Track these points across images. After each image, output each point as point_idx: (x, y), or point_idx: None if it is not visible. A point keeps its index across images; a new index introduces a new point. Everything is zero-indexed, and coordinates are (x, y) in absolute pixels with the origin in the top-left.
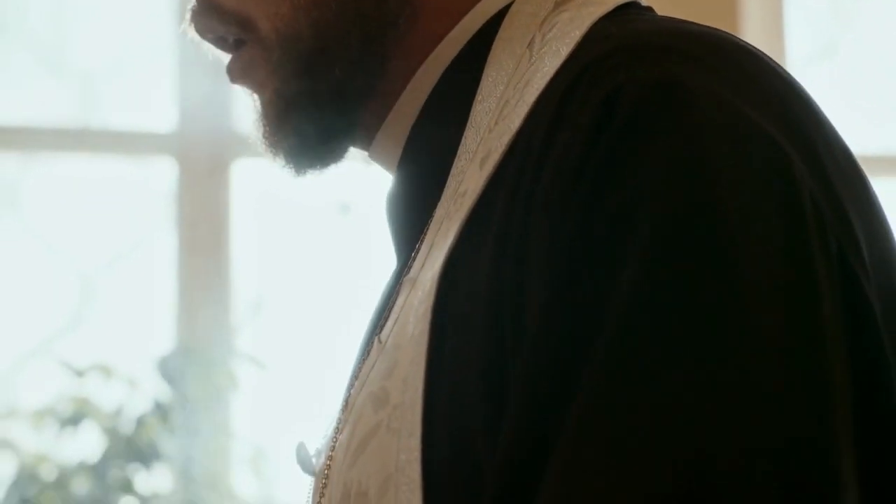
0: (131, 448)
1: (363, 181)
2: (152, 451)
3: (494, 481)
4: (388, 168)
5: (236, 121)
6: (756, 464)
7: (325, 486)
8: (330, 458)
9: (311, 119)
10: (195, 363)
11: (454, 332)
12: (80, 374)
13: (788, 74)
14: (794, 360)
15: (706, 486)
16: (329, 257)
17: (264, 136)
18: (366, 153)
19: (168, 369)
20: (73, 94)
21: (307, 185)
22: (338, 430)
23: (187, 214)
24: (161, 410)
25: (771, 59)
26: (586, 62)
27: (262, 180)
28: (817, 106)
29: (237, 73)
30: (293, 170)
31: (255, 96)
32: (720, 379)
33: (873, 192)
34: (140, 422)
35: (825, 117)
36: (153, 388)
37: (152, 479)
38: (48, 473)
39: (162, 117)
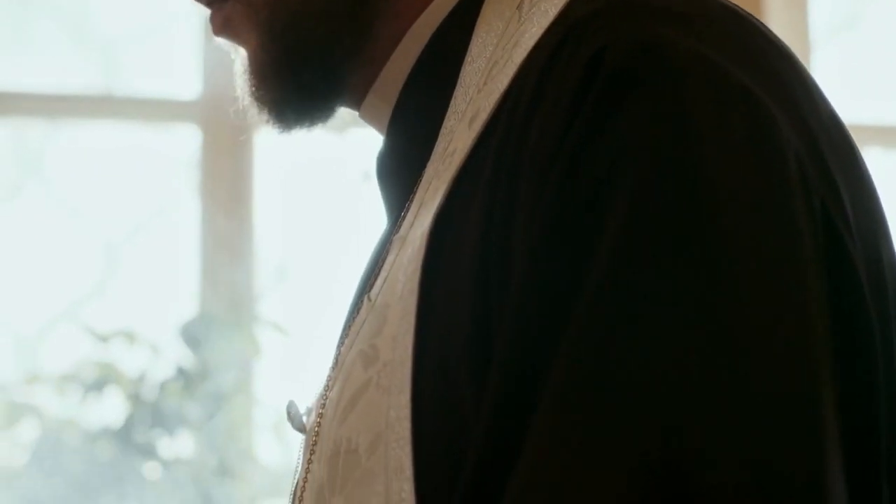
0: (154, 414)
1: None
2: (175, 416)
3: (476, 445)
4: (378, 129)
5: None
6: (737, 438)
7: (315, 443)
8: (320, 415)
9: (297, 76)
10: (218, 329)
11: (443, 290)
12: (103, 339)
13: (776, 38)
14: (777, 325)
15: (680, 461)
16: (351, 225)
17: (250, 90)
18: (356, 113)
19: (191, 335)
20: (96, 61)
21: (330, 153)
22: (328, 388)
23: (210, 181)
24: (184, 376)
25: (759, 21)
26: (573, 22)
27: (285, 148)
28: (805, 70)
29: (219, 27)
30: (278, 126)
31: (240, 50)
32: (700, 346)
33: (862, 161)
34: (163, 387)
35: (813, 82)
36: (176, 354)
37: (175, 445)
38: (72, 438)
39: (186, 84)
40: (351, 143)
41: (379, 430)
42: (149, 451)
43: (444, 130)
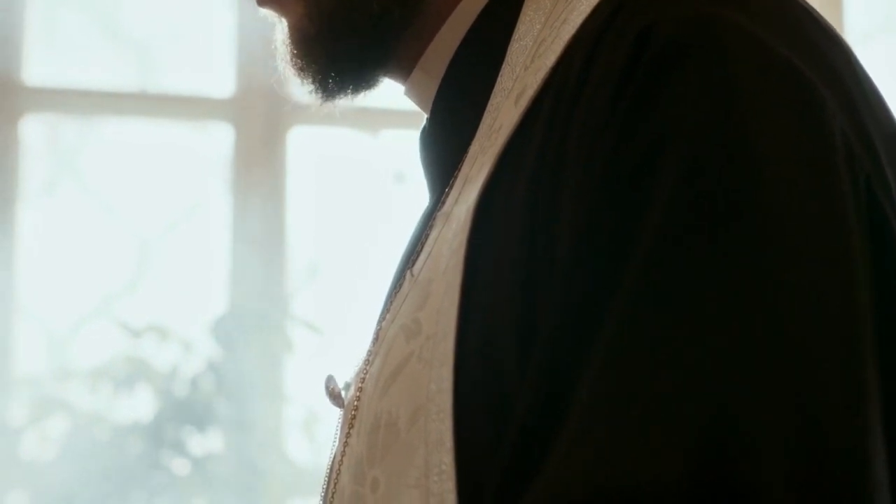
0: (185, 410)
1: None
2: (206, 413)
3: (520, 413)
4: (422, 105)
5: (294, 88)
6: (781, 414)
7: (354, 417)
8: (360, 389)
9: (344, 46)
10: (249, 326)
11: (488, 265)
12: (136, 335)
13: (822, 18)
14: (823, 304)
15: (732, 443)
16: (383, 225)
17: (292, 60)
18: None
19: (222, 332)
20: (131, 59)
21: (363, 153)
22: (368, 363)
23: (243, 179)
24: (215, 373)
25: (809, 5)
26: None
27: (318, 148)
28: (853, 54)
29: None
30: (321, 95)
31: (283, 20)
32: (746, 323)
33: None
34: (194, 384)
35: (861, 68)
36: (208, 351)
37: (205, 442)
38: (102, 433)
39: (219, 82)
40: (383, 143)
41: (419, 402)
42: (179, 448)
43: (489, 107)
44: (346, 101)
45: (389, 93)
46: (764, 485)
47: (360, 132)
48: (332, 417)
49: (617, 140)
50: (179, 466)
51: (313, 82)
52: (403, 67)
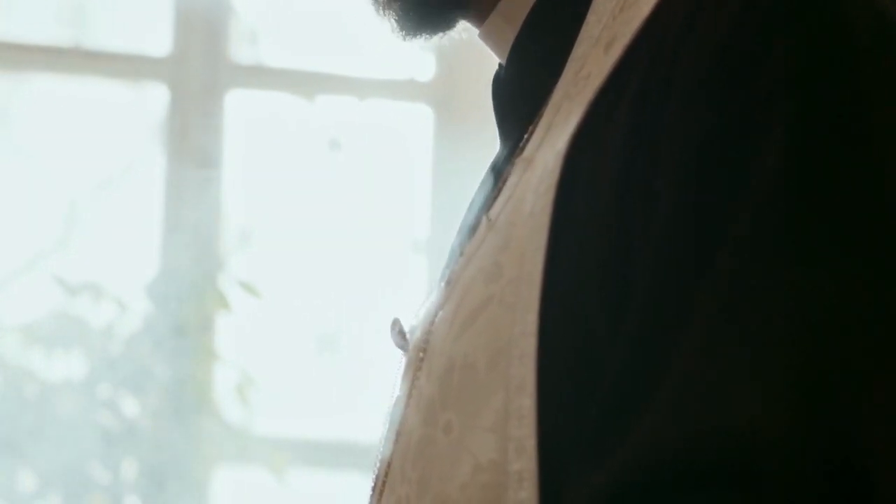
0: (118, 369)
1: (353, 118)
2: (139, 373)
3: (617, 361)
4: (498, 50)
5: (232, 50)
6: (873, 376)
7: (422, 359)
8: (428, 332)
9: None
10: (184, 287)
11: (577, 210)
12: (70, 293)
13: None
14: None
15: (835, 394)
16: (317, 192)
17: None
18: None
19: (157, 292)
20: (65, 13)
21: (300, 117)
22: (438, 306)
23: (178, 141)
24: (150, 332)
25: None
26: None
27: (255, 111)
28: None
29: None
30: (402, 31)
31: None
32: (853, 287)
33: None
34: (128, 343)
35: None
36: (142, 310)
37: (137, 401)
38: (32, 391)
39: (156, 42)
40: (319, 108)
41: (500, 345)
42: (111, 407)
43: (574, 56)
44: (424, 42)
45: (326, 58)
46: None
47: (297, 97)
48: (268, 382)
49: (726, 90)
50: (112, 426)
51: (396, 17)
52: (481, 11)
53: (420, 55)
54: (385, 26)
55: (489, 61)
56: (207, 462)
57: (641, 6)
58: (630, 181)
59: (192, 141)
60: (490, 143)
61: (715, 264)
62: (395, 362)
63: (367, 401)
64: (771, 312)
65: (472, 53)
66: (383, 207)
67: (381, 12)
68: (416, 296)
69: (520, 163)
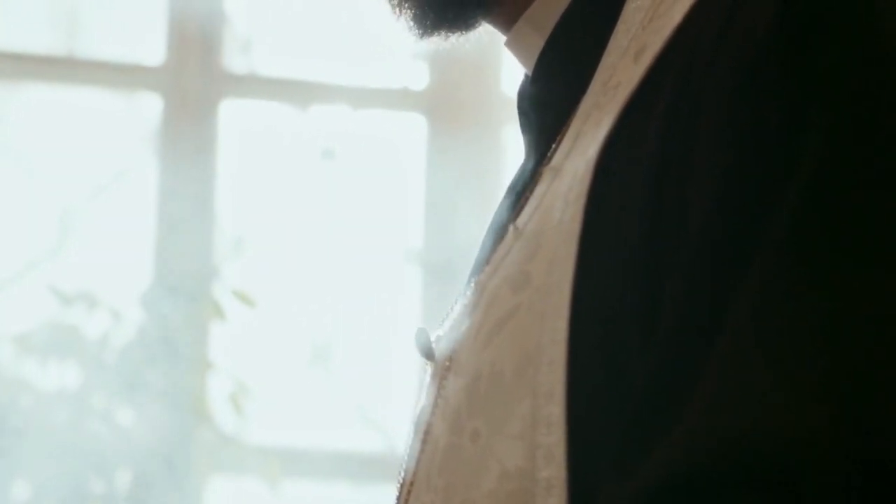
0: (113, 378)
1: (347, 127)
2: (134, 381)
3: (653, 365)
4: (524, 59)
5: (226, 59)
6: None
7: (448, 368)
8: (455, 341)
9: None
10: (179, 296)
11: (608, 219)
12: (64, 302)
13: None
14: None
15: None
16: (311, 201)
17: None
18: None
19: (151, 301)
20: (59, 22)
21: (293, 127)
22: (464, 315)
23: (171, 149)
24: (144, 342)
25: None
26: None
27: (248, 121)
28: None
29: None
30: (418, 29)
31: None
32: (887, 293)
33: None
34: (122, 352)
35: None
36: (137, 319)
37: (132, 410)
38: (27, 400)
39: (150, 51)
40: (313, 118)
41: (528, 353)
42: (105, 417)
43: (602, 65)
44: (441, 41)
45: (320, 67)
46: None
47: (291, 106)
48: (262, 391)
49: (770, 87)
50: (106, 435)
51: (412, 16)
52: (508, 17)
53: (413, 64)
54: (383, 33)
55: (482, 71)
56: (201, 471)
57: (672, 15)
58: (662, 191)
59: (185, 150)
60: (483, 152)
61: (748, 272)
62: (421, 371)
63: (361, 410)
64: (804, 318)
65: (466, 63)
66: (377, 216)
67: (397, 10)
68: (409, 304)
69: (547, 172)
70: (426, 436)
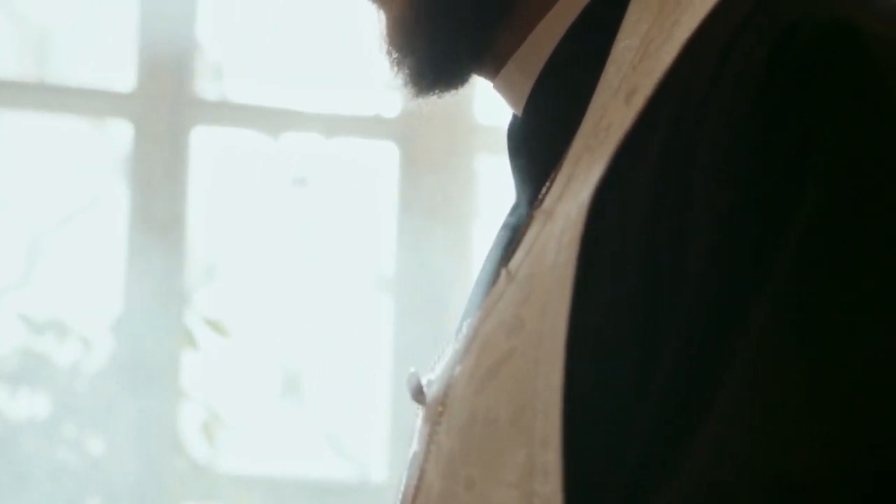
0: (84, 406)
1: (318, 154)
2: (105, 411)
3: (653, 412)
4: (513, 101)
5: (197, 86)
6: None
7: (441, 413)
8: (448, 386)
9: (445, 37)
10: (150, 325)
11: (602, 262)
12: (34, 330)
13: None
14: None
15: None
16: (283, 228)
17: (388, 53)
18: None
19: (122, 330)
20: (28, 47)
21: (264, 154)
22: (456, 360)
23: (142, 176)
24: (115, 370)
25: None
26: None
27: (220, 148)
28: None
29: None
30: (414, 89)
31: (381, 11)
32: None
33: None
34: (93, 381)
35: None
36: (107, 347)
37: (102, 440)
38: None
39: (120, 78)
40: (285, 145)
41: (524, 400)
42: (76, 446)
43: (593, 106)
44: (435, 98)
45: (291, 94)
46: None
47: (262, 133)
48: (234, 420)
49: (763, 137)
50: (77, 464)
51: (408, 76)
52: (496, 62)
53: (386, 92)
54: (355, 61)
55: (455, 99)
56: (173, 500)
57: (662, 56)
58: (656, 238)
59: (156, 177)
60: (455, 180)
61: (749, 318)
62: (413, 416)
63: (333, 439)
64: (802, 376)
65: None
66: (348, 244)
67: (395, 69)
68: (381, 333)
69: (539, 215)
70: (419, 482)
